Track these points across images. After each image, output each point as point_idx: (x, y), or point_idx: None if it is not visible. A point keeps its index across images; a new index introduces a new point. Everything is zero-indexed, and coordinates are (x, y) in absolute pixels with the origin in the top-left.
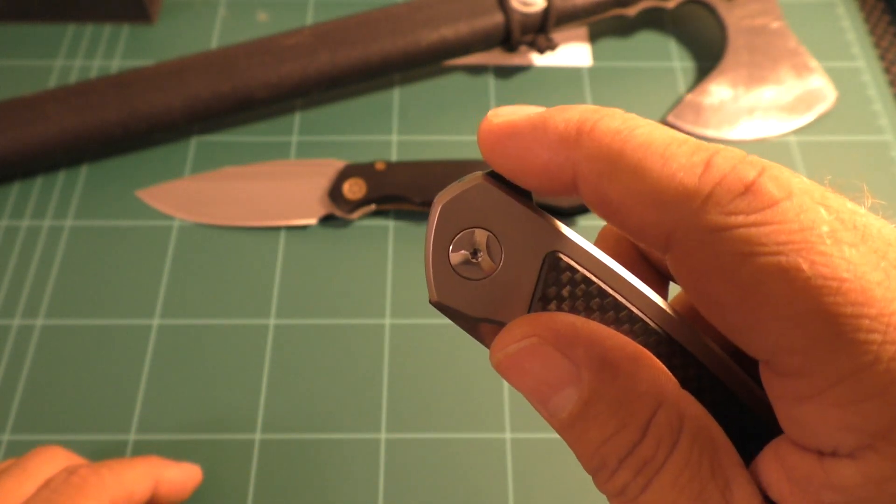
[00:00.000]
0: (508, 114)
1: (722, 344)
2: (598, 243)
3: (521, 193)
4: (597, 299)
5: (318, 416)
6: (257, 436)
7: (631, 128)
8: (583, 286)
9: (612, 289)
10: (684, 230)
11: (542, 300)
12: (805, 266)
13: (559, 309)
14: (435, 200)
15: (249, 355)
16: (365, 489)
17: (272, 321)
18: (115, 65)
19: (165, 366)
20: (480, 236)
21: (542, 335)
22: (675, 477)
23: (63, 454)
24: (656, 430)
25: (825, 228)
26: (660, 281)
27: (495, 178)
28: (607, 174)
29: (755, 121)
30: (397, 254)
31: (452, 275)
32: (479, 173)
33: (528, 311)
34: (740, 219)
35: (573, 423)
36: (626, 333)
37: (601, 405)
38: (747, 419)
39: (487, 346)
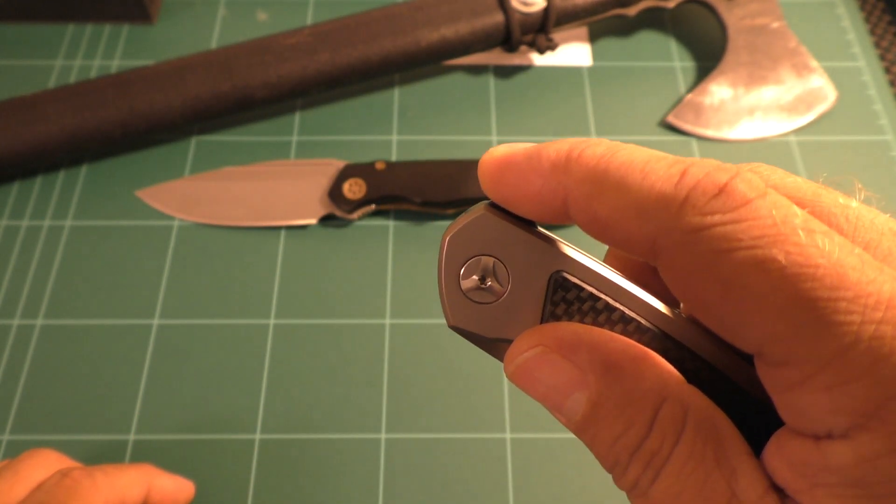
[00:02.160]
0: (506, 148)
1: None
2: (609, 259)
3: (522, 219)
4: (604, 313)
5: (318, 416)
6: (257, 436)
7: (613, 151)
8: (589, 302)
9: (618, 302)
10: (666, 235)
11: (552, 318)
12: (781, 256)
13: None
14: (444, 234)
15: (249, 355)
16: (365, 489)
17: (272, 321)
18: (115, 65)
19: (165, 366)
20: (487, 263)
21: (546, 344)
22: (680, 467)
23: (55, 457)
24: (661, 424)
25: (798, 221)
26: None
27: (497, 207)
28: (595, 193)
29: (755, 121)
30: (397, 254)
31: (465, 300)
32: (482, 204)
33: None
34: (716, 218)
35: (586, 425)
36: (637, 342)
37: (609, 406)
38: (761, 413)
39: None
